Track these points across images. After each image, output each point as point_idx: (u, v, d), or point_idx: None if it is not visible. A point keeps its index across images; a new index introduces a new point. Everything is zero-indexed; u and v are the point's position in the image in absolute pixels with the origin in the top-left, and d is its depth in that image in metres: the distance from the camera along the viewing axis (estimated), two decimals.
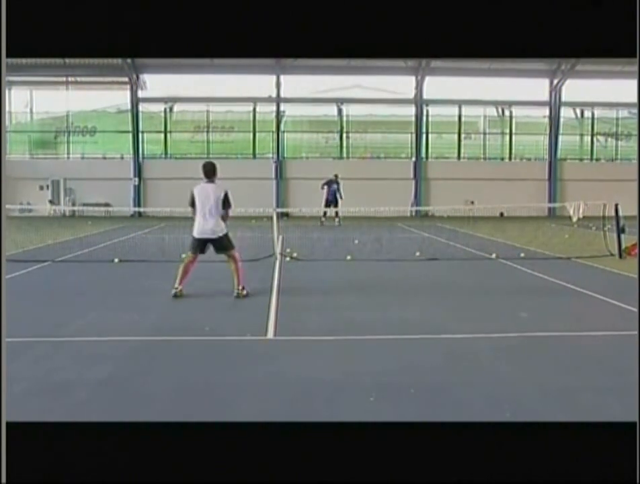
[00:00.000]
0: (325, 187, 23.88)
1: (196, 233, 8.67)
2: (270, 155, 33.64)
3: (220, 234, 8.62)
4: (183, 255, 12.66)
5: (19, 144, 33.20)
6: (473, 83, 33.04)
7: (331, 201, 23.70)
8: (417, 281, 10.30)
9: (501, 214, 26.91)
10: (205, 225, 8.56)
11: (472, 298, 8.82)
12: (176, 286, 8.65)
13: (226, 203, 8.62)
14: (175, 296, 8.57)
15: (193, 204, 8.65)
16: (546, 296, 8.93)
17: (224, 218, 8.71)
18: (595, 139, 35.49)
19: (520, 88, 33.68)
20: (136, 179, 32.77)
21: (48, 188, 32.52)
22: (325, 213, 23.43)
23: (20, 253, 13.00)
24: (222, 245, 8.69)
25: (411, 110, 34.07)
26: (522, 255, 13.31)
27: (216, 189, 8.65)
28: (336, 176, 24.35)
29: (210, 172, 8.73)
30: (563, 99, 34.15)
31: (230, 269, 8.78)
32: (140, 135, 33.28)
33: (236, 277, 8.67)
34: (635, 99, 28.45)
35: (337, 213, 23.31)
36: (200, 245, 8.71)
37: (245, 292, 8.62)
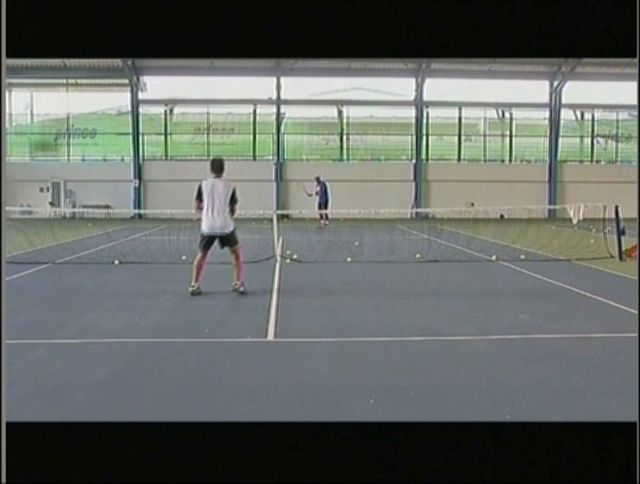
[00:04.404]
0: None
1: (205, 229, 8.83)
2: (270, 157, 33.67)
3: (229, 231, 8.85)
4: (184, 257, 12.75)
5: (19, 146, 33.24)
6: (473, 85, 33.10)
7: (320, 202, 23.70)
8: (417, 283, 10.30)
9: (502, 216, 26.93)
10: (215, 221, 8.73)
11: (472, 300, 8.82)
12: (192, 284, 8.89)
13: (233, 199, 8.84)
14: (193, 293, 8.82)
15: (199, 198, 8.80)
16: (546, 298, 8.93)
17: (232, 213, 8.90)
18: (595, 141, 35.52)
19: (520, 90, 33.74)
20: (136, 180, 32.80)
21: (48, 190, 32.55)
22: (320, 215, 23.34)
23: (20, 254, 13.00)
24: (229, 240, 8.91)
25: (411, 112, 34.11)
26: (522, 256, 13.30)
27: (225, 185, 8.83)
28: (316, 178, 24.37)
29: (218, 168, 8.90)
30: (563, 101, 34.18)
31: (232, 263, 9.05)
32: (140, 137, 33.31)
33: (237, 271, 8.96)
34: (635, 101, 28.47)
35: (326, 215, 23.12)
36: (209, 241, 8.89)
37: (242, 289, 8.88)
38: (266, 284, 9.69)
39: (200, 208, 8.84)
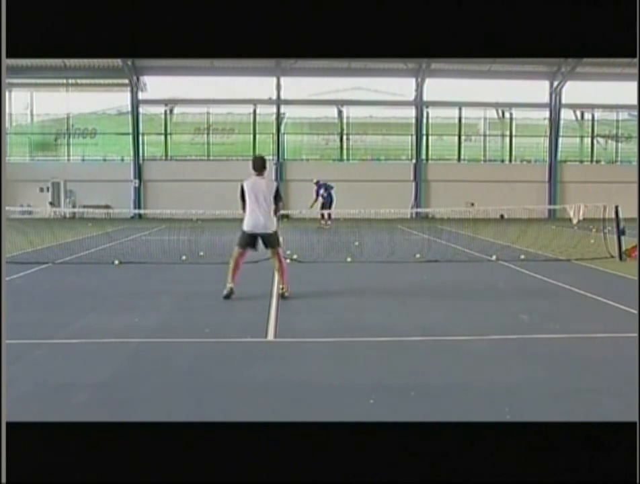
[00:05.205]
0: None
1: (247, 228, 8.51)
2: (270, 157, 33.65)
3: (271, 231, 8.54)
4: (183, 257, 12.76)
5: (19, 146, 33.24)
6: (473, 85, 33.11)
7: (324, 202, 23.88)
8: (417, 283, 10.29)
9: (502, 216, 26.93)
10: (257, 220, 8.43)
11: (472, 300, 8.81)
12: (227, 285, 8.48)
13: (277, 197, 8.57)
14: (228, 297, 8.40)
15: (243, 198, 8.53)
16: (546, 298, 8.92)
17: (276, 212, 8.66)
18: (595, 141, 35.53)
19: (520, 90, 33.75)
20: (136, 180, 32.80)
21: (48, 190, 32.55)
22: (322, 215, 23.43)
23: (20, 254, 12.99)
24: (272, 241, 8.58)
25: (411, 112, 34.12)
26: (522, 257, 13.30)
27: (267, 184, 8.64)
28: (315, 182, 24.57)
29: (260, 166, 8.63)
30: (563, 101, 34.19)
31: (274, 268, 8.79)
32: (140, 137, 33.32)
33: (281, 276, 8.65)
34: (635, 101, 28.46)
35: (329, 215, 23.29)
36: (251, 240, 8.56)
37: (287, 294, 8.52)
38: (266, 284, 9.68)
39: (244, 208, 8.56)
